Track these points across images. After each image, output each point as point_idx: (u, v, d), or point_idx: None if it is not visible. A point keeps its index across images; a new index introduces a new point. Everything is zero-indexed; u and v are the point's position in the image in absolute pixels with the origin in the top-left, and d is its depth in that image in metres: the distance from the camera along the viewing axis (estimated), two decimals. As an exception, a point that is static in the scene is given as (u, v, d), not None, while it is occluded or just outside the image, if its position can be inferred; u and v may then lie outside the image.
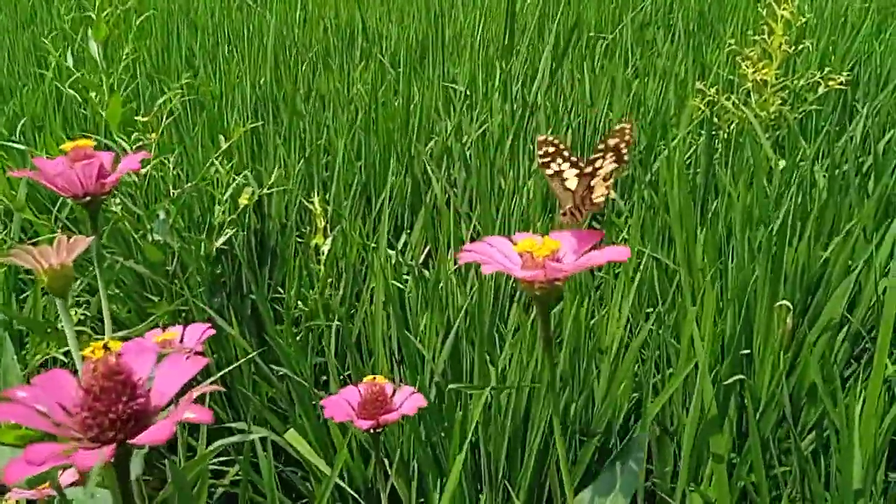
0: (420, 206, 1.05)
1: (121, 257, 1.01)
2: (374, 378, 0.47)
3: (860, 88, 1.64)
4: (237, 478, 0.78)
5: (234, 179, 0.98)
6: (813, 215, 0.97)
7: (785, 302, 0.83)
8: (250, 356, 0.79)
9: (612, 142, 0.36)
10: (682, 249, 0.82)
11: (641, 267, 0.86)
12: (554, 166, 0.39)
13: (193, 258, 0.93)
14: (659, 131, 1.39)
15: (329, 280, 0.89)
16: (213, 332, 0.48)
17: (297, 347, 0.79)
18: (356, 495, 0.75)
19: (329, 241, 0.90)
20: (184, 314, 0.92)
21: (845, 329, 0.88)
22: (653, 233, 1.02)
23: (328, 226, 0.92)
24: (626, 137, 0.36)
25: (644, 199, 1.09)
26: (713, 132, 1.32)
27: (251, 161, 1.24)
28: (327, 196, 1.08)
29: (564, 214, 0.37)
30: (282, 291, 0.95)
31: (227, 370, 0.74)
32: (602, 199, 0.37)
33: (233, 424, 0.81)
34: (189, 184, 1.03)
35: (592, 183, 0.37)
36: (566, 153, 0.39)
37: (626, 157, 0.36)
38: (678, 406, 0.77)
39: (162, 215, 0.98)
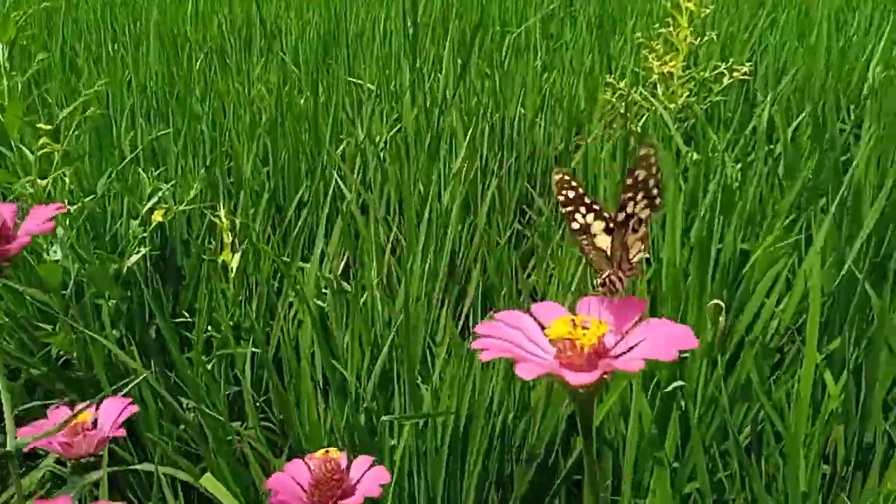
0: (335, 213, 0.99)
1: (13, 281, 0.91)
2: (328, 451, 0.39)
3: (759, 79, 1.67)
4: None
5: (160, 189, 0.90)
6: (738, 208, 0.96)
7: (717, 301, 0.81)
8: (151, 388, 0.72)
9: (639, 174, 0.29)
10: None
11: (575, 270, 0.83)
12: (578, 218, 0.31)
13: (100, 279, 0.83)
14: (574, 127, 1.37)
15: (240, 300, 0.82)
16: (135, 409, 0.40)
17: (208, 377, 0.72)
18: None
19: (238, 256, 0.83)
20: (83, 344, 0.83)
21: (773, 322, 0.88)
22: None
23: (236, 240, 0.85)
24: (653, 168, 0.29)
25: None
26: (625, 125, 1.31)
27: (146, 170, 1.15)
28: (234, 206, 1.00)
29: (603, 285, 0.30)
30: (188, 316, 0.87)
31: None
32: (638, 258, 0.30)
33: (139, 466, 0.73)
34: (88, 197, 0.93)
35: (625, 238, 0.30)
36: (587, 199, 0.31)
37: (657, 199, 0.29)
38: (617, 418, 0.74)
39: (60, 232, 0.89)
